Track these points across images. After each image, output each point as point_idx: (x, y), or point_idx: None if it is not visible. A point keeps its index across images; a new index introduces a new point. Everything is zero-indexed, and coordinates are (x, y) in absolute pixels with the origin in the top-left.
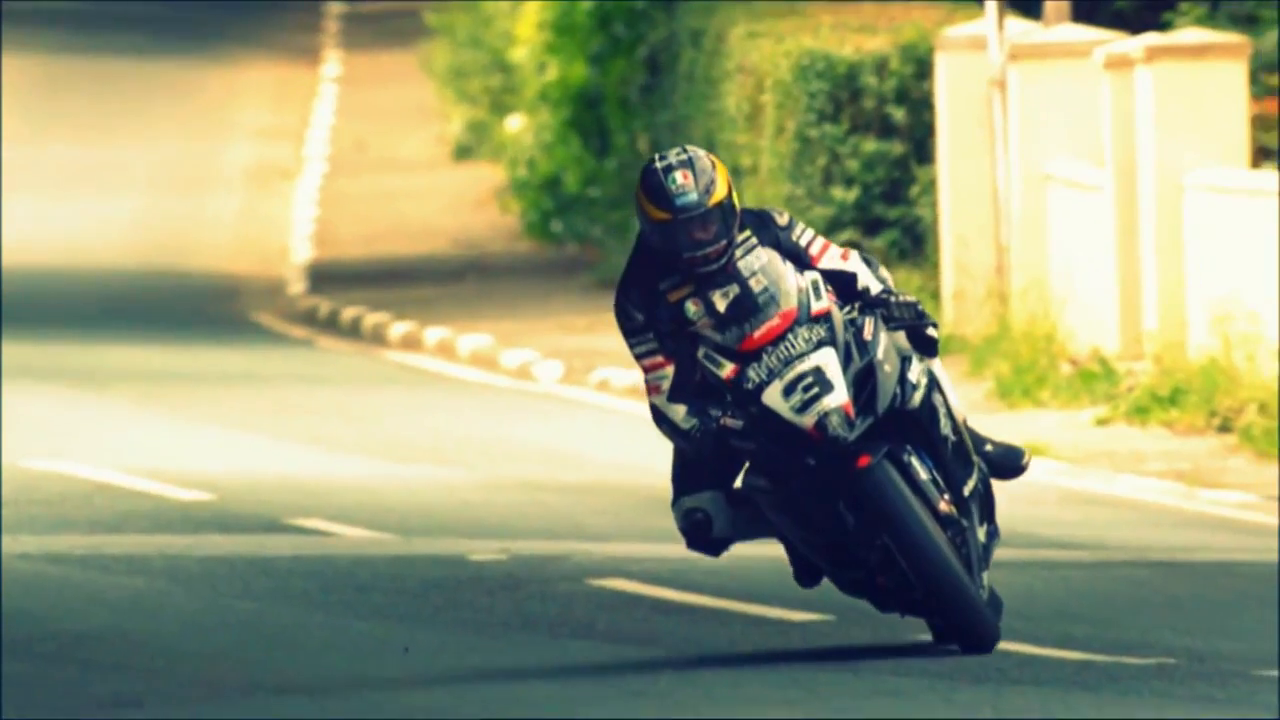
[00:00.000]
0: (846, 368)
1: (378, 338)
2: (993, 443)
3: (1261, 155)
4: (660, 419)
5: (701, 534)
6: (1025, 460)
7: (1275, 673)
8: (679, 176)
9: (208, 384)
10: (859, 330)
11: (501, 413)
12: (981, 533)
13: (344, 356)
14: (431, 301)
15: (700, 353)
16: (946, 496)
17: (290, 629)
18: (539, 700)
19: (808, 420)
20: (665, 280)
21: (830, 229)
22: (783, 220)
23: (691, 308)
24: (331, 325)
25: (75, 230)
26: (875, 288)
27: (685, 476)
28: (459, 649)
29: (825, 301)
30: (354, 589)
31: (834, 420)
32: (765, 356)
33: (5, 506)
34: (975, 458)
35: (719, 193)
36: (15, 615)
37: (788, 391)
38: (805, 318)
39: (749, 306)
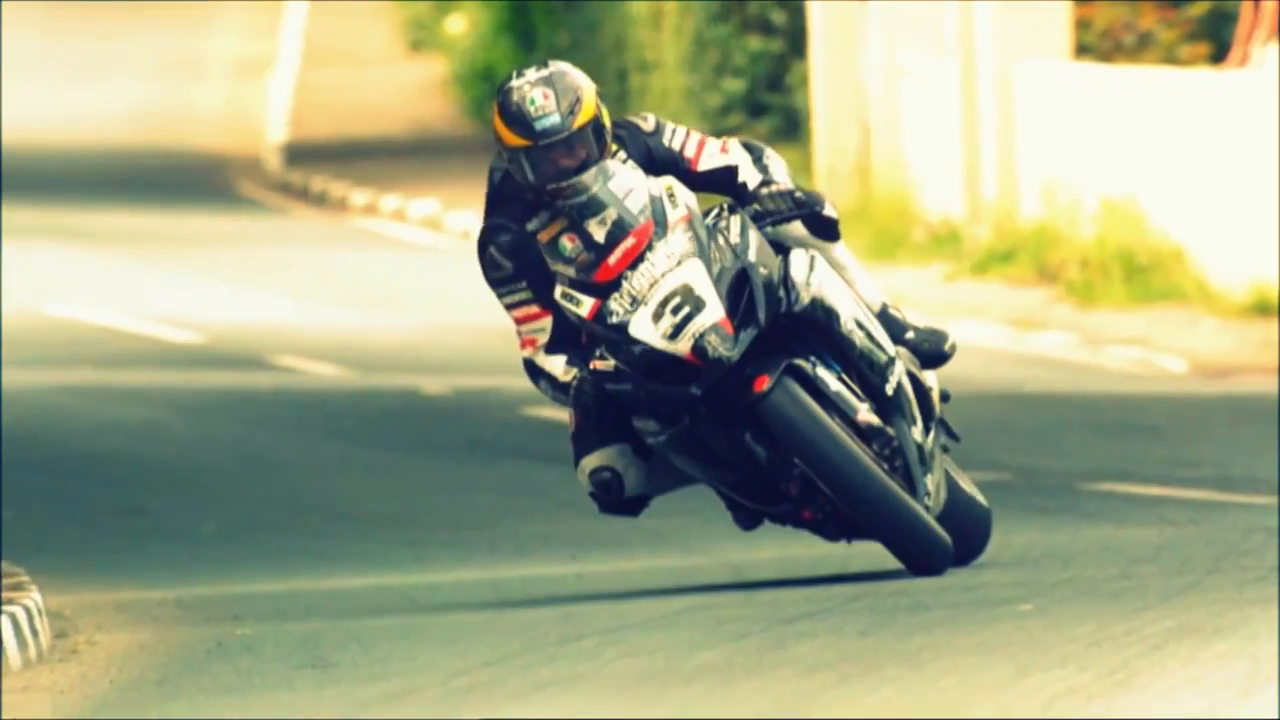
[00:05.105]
0: (718, 280)
1: (342, 205)
2: (915, 329)
3: (1081, 51)
4: (536, 374)
5: (612, 494)
6: (950, 345)
7: (1096, 486)
8: (539, 97)
9: (198, 244)
10: (725, 234)
11: (447, 268)
12: (917, 432)
13: (313, 221)
14: (388, 174)
15: (558, 293)
16: (866, 405)
17: (271, 449)
18: (481, 510)
19: (683, 346)
20: (533, 219)
21: (723, 112)
22: (649, 126)
23: (568, 244)
24: (303, 195)
25: (77, 114)
26: (754, 180)
27: (586, 436)
28: (412, 467)
29: (683, 209)
30: (324, 416)
31: (713, 340)
32: (625, 283)
33: (28, 348)
34: (894, 349)
35: (585, 112)
36: (40, 438)
37: (656, 317)
38: (663, 231)
39: (628, 227)
